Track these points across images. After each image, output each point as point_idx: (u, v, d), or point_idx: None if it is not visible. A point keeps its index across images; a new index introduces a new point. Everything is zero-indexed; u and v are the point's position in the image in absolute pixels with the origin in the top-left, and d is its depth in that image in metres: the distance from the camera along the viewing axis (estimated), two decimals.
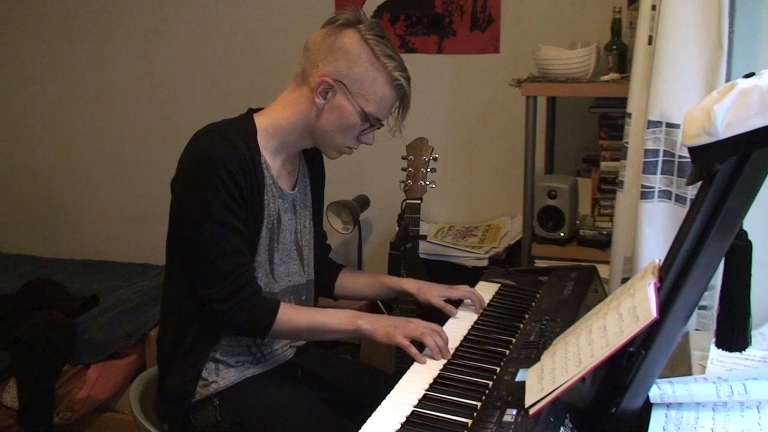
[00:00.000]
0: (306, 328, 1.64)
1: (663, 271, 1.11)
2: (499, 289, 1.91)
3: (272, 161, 1.66)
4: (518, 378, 1.31)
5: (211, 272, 1.57)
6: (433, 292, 1.80)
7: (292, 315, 1.63)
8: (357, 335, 1.64)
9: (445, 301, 1.81)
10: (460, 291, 1.80)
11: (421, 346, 1.55)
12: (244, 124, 1.64)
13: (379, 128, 1.69)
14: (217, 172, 1.53)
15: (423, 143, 2.21)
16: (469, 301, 1.79)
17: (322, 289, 1.93)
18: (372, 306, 2.85)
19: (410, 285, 1.85)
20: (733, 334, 1.11)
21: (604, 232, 2.51)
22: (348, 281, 1.93)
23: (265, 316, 1.59)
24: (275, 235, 1.69)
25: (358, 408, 1.41)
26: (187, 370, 1.66)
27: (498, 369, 1.41)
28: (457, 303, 1.82)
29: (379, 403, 1.30)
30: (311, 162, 1.83)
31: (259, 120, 1.66)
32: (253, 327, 1.61)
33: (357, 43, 1.59)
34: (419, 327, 1.56)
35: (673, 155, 1.72)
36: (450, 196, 3.17)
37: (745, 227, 1.07)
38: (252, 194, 1.59)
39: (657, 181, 1.74)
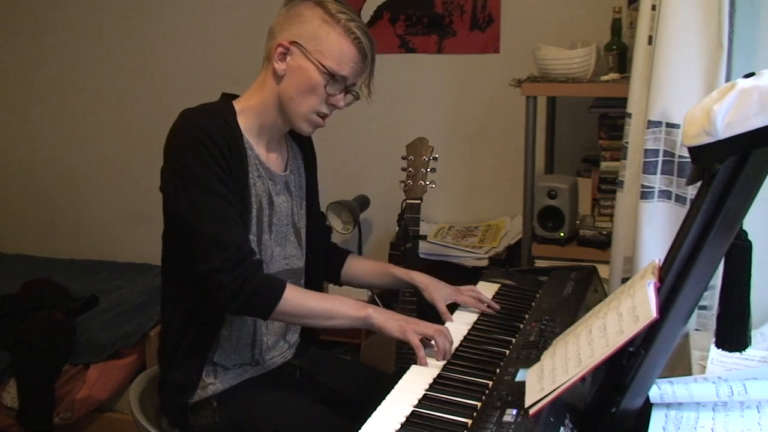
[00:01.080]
0: (313, 311, 1.59)
1: (663, 271, 1.11)
2: (499, 289, 1.91)
3: (256, 143, 1.65)
4: (518, 378, 1.31)
5: (210, 244, 1.52)
6: (440, 294, 1.78)
7: (299, 296, 1.59)
8: (364, 324, 1.60)
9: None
10: (465, 297, 1.79)
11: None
12: (223, 106, 1.64)
13: (349, 92, 1.65)
14: (201, 140, 1.52)
15: (423, 143, 2.21)
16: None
17: (328, 274, 1.91)
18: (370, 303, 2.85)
19: (420, 279, 1.82)
20: (733, 334, 1.11)
21: (604, 232, 2.51)
22: (356, 267, 1.91)
23: (272, 292, 1.55)
24: (264, 217, 1.66)
25: (358, 408, 1.41)
26: (190, 364, 1.65)
27: (498, 369, 1.41)
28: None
29: (379, 403, 1.30)
30: (301, 144, 1.82)
31: (237, 105, 1.66)
32: (258, 302, 1.55)
33: (310, 8, 1.60)
34: (431, 326, 1.56)
35: (673, 155, 1.72)
36: (450, 196, 3.17)
37: (745, 227, 1.07)
38: (236, 170, 1.58)
39: (657, 181, 1.74)
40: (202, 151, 1.52)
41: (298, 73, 1.60)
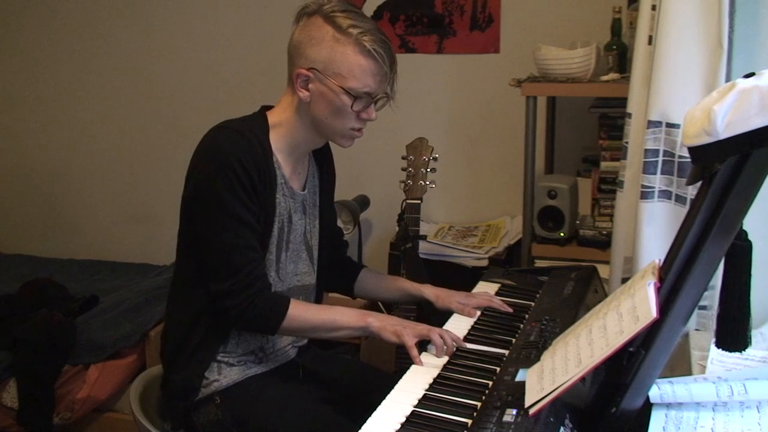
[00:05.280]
0: (316, 325, 1.65)
1: (663, 271, 1.11)
2: (499, 289, 1.91)
3: (284, 161, 1.67)
4: (518, 378, 1.31)
5: (223, 267, 1.58)
6: (452, 299, 1.79)
7: (302, 311, 1.64)
8: (365, 333, 1.65)
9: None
10: (478, 299, 1.79)
11: (422, 346, 1.56)
12: (258, 122, 1.66)
13: (378, 101, 1.64)
14: (230, 164, 1.55)
15: (423, 143, 2.21)
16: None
17: (342, 287, 1.94)
18: (372, 306, 2.85)
19: (429, 292, 1.84)
20: (733, 334, 1.11)
21: (604, 232, 2.51)
22: (369, 282, 1.93)
23: (276, 312, 1.60)
24: (285, 235, 1.70)
25: (358, 408, 1.41)
26: (195, 367, 1.67)
27: (498, 369, 1.41)
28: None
29: (379, 403, 1.30)
30: (321, 163, 1.83)
31: (270, 119, 1.67)
32: (263, 322, 1.62)
33: (320, 26, 1.58)
34: (426, 326, 1.59)
35: (673, 155, 1.72)
36: (450, 196, 3.17)
37: (745, 227, 1.07)
38: (264, 191, 1.60)
39: (657, 181, 1.74)
40: (230, 175, 1.55)
41: (323, 98, 1.60)
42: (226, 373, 1.69)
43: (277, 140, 1.65)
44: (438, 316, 1.78)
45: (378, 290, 1.94)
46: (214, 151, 1.59)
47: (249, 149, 1.57)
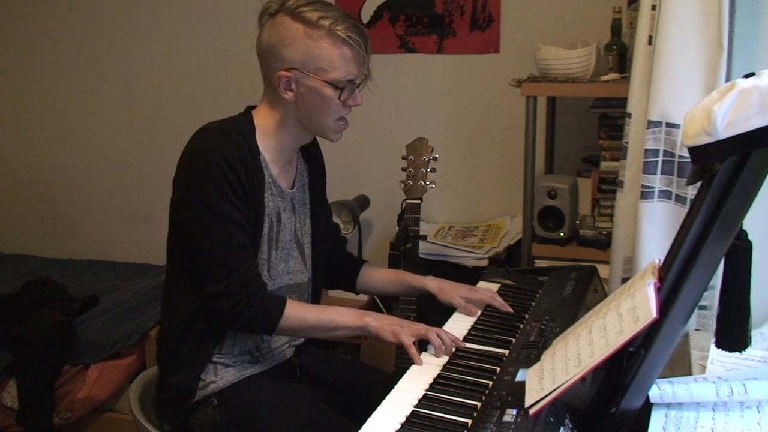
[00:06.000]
0: (313, 325, 1.65)
1: (663, 271, 1.11)
2: (499, 289, 1.91)
3: (272, 161, 1.67)
4: (518, 378, 1.31)
5: (216, 268, 1.57)
6: (455, 293, 1.78)
7: (299, 311, 1.64)
8: (363, 332, 1.65)
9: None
10: (481, 294, 1.78)
11: (422, 346, 1.56)
12: (244, 123, 1.66)
13: (361, 84, 1.64)
14: (218, 165, 1.54)
15: (423, 143, 2.21)
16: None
17: (344, 283, 1.94)
18: (371, 306, 2.85)
19: (432, 284, 1.83)
20: (733, 334, 1.11)
21: (604, 232, 2.51)
22: (371, 277, 1.92)
23: (273, 312, 1.60)
24: (274, 234, 1.69)
25: (358, 408, 1.41)
26: (191, 369, 1.66)
27: (498, 369, 1.41)
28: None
29: (379, 403, 1.30)
30: (310, 161, 1.83)
31: (256, 120, 1.67)
32: (260, 323, 1.61)
33: (289, 25, 1.59)
34: (424, 326, 1.58)
35: (673, 155, 1.72)
36: (450, 196, 3.17)
37: (745, 227, 1.07)
38: (252, 191, 1.60)
39: (657, 181, 1.74)
40: (218, 175, 1.54)
41: (309, 95, 1.61)
42: (222, 374, 1.69)
43: (263, 140, 1.65)
44: (438, 314, 1.77)
45: (381, 284, 1.93)
46: (200, 152, 1.58)
47: (236, 149, 1.57)
